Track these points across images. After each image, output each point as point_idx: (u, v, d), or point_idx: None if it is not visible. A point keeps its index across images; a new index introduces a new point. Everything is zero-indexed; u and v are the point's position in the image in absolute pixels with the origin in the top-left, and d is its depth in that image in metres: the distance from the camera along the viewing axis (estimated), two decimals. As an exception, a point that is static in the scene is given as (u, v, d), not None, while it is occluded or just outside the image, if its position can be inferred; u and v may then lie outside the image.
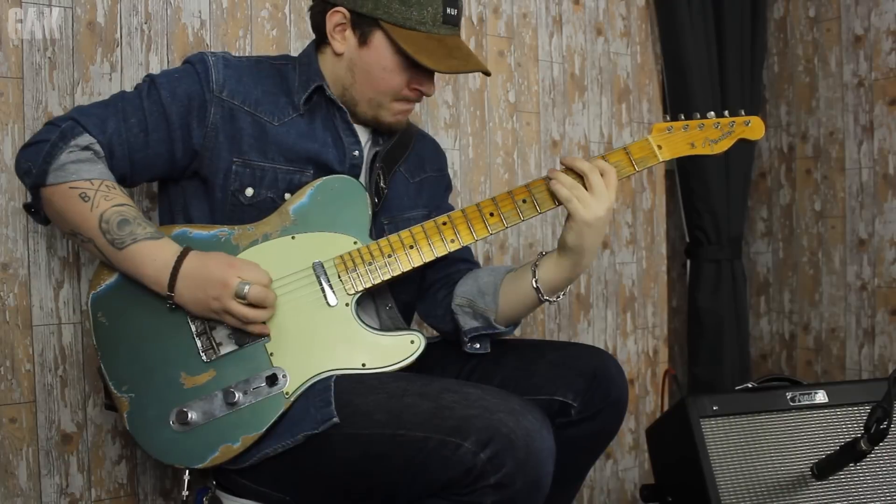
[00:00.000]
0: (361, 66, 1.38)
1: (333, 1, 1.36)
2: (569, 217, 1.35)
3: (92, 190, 1.26)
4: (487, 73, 1.42)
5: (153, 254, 1.25)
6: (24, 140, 1.50)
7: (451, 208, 1.65)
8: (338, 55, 1.39)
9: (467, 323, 1.47)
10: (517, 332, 2.26)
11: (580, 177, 1.36)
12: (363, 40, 1.36)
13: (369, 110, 1.41)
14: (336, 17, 1.37)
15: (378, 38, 1.35)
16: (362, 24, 1.35)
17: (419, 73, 1.38)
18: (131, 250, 1.25)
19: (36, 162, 1.26)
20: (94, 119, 1.30)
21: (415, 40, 1.32)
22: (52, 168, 1.26)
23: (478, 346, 1.47)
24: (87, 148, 1.28)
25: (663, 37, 2.57)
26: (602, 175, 1.34)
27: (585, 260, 1.38)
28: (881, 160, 2.61)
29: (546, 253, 1.43)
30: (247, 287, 1.23)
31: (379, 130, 1.48)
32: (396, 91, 1.39)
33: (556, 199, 1.37)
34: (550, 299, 1.42)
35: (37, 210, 1.33)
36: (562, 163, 1.37)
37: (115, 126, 1.30)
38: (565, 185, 1.34)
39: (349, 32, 1.37)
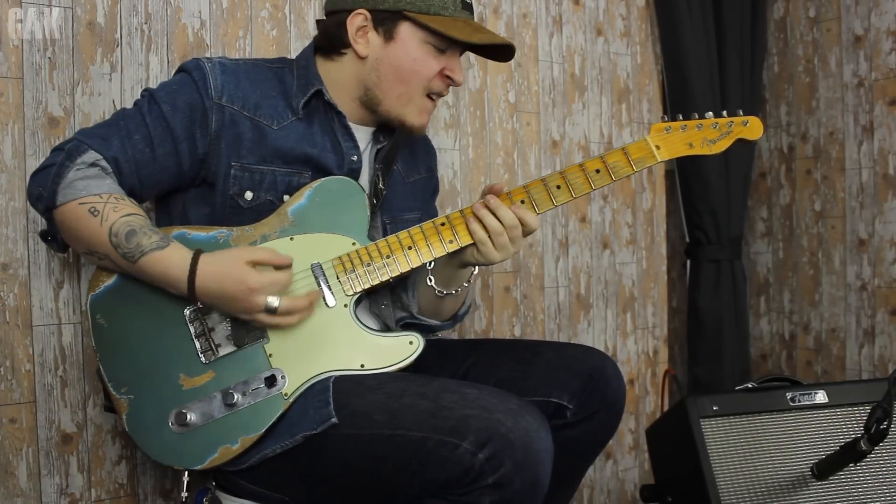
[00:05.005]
0: (389, 63, 1.38)
1: (351, 7, 1.37)
2: (476, 249, 1.36)
3: (101, 203, 1.25)
4: (513, 48, 1.43)
5: (162, 266, 1.24)
6: (25, 140, 1.51)
7: (437, 212, 1.69)
8: (361, 58, 1.40)
9: (396, 314, 1.53)
10: (517, 330, 2.27)
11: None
12: (389, 36, 1.38)
13: (395, 108, 1.41)
14: (357, 20, 1.38)
15: (404, 30, 1.37)
16: (385, 22, 1.37)
17: (449, 59, 1.40)
18: (142, 263, 1.24)
19: (45, 185, 1.26)
20: (97, 139, 1.29)
21: (441, 22, 1.35)
22: (61, 187, 1.25)
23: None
24: (93, 164, 1.28)
25: (663, 37, 2.57)
26: (524, 226, 1.35)
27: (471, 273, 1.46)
28: (881, 160, 2.61)
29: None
30: (276, 302, 1.23)
31: (384, 127, 1.48)
32: (428, 79, 1.39)
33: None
34: (444, 292, 1.45)
35: (53, 237, 1.33)
36: (487, 206, 1.35)
37: (119, 144, 1.30)
38: (487, 229, 1.34)
39: (372, 33, 1.38)
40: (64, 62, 1.56)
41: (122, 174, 1.30)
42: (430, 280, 1.44)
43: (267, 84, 1.40)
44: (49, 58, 1.54)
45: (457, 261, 1.42)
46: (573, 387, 1.39)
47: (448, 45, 1.38)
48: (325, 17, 1.46)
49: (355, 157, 1.43)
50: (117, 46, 1.62)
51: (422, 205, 1.60)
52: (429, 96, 1.42)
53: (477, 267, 1.43)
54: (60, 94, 1.55)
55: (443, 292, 1.45)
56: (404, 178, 1.56)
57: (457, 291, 1.46)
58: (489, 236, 1.34)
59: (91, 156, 1.28)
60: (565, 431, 1.38)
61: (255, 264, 1.25)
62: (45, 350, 1.54)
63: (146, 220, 1.27)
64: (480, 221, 1.35)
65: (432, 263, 1.41)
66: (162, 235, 1.26)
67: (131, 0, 1.63)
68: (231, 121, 1.35)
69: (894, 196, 2.58)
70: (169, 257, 1.24)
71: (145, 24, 1.65)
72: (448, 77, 1.41)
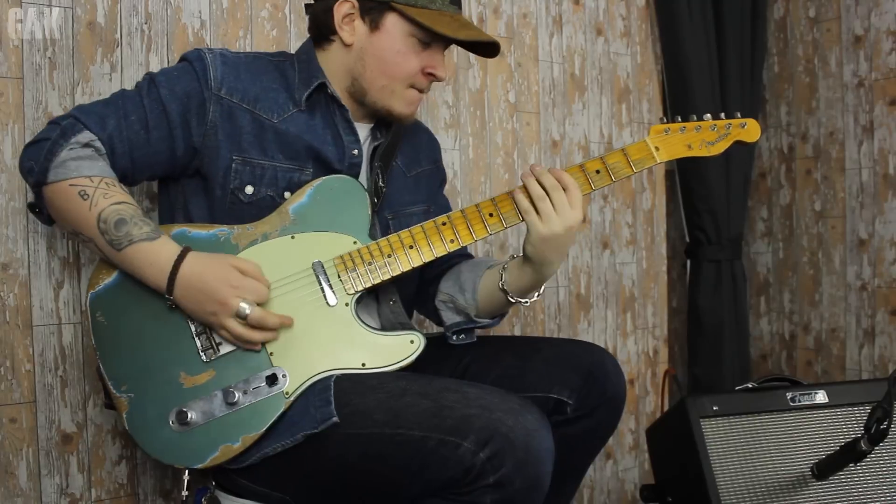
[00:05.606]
0: (373, 53, 1.38)
1: None
2: (527, 230, 1.35)
3: (91, 187, 1.25)
4: (498, 47, 1.42)
5: (149, 257, 1.24)
6: (25, 140, 1.51)
7: (447, 202, 1.67)
8: (347, 46, 1.40)
9: (450, 318, 1.52)
10: (517, 330, 2.27)
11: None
12: (374, 26, 1.37)
13: (380, 99, 1.41)
14: (344, 8, 1.38)
15: (390, 21, 1.37)
16: (372, 11, 1.37)
17: (432, 55, 1.40)
18: (128, 252, 1.25)
19: (38, 160, 1.26)
20: (94, 117, 1.30)
21: (428, 15, 1.35)
22: (53, 165, 1.25)
23: (462, 336, 1.51)
24: (87, 145, 1.28)
25: (663, 37, 2.57)
26: (566, 191, 1.34)
27: (546, 269, 1.39)
28: (881, 160, 2.61)
29: (516, 256, 1.44)
30: (248, 310, 1.22)
31: (381, 123, 1.48)
32: (410, 75, 1.39)
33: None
34: (521, 301, 1.43)
35: (40, 209, 1.33)
36: (532, 171, 1.35)
37: (115, 123, 1.30)
38: (529, 197, 1.34)
39: (358, 21, 1.39)
40: (64, 62, 1.56)
41: (115, 154, 1.31)
42: (506, 291, 1.41)
43: (268, 77, 1.40)
44: (49, 58, 1.54)
45: (529, 265, 1.38)
46: (573, 382, 1.39)
47: (433, 39, 1.38)
48: (313, 2, 1.46)
49: (356, 152, 1.43)
50: (117, 46, 1.62)
51: (427, 197, 1.59)
52: (416, 87, 1.42)
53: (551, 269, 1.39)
54: (60, 94, 1.55)
55: (514, 298, 1.42)
56: (405, 173, 1.55)
57: (530, 300, 1.44)
58: (532, 203, 1.33)
59: (86, 136, 1.28)
60: (565, 428, 1.38)
61: (240, 271, 1.25)
62: (45, 350, 1.54)
63: (137, 209, 1.27)
64: (525, 190, 1.35)
65: (505, 268, 1.41)
66: (153, 227, 1.26)
67: (131, 0, 1.63)
68: (229, 113, 1.35)
69: (894, 196, 2.58)
70: (158, 248, 1.25)
71: (145, 24, 1.65)
72: (430, 73, 1.41)
